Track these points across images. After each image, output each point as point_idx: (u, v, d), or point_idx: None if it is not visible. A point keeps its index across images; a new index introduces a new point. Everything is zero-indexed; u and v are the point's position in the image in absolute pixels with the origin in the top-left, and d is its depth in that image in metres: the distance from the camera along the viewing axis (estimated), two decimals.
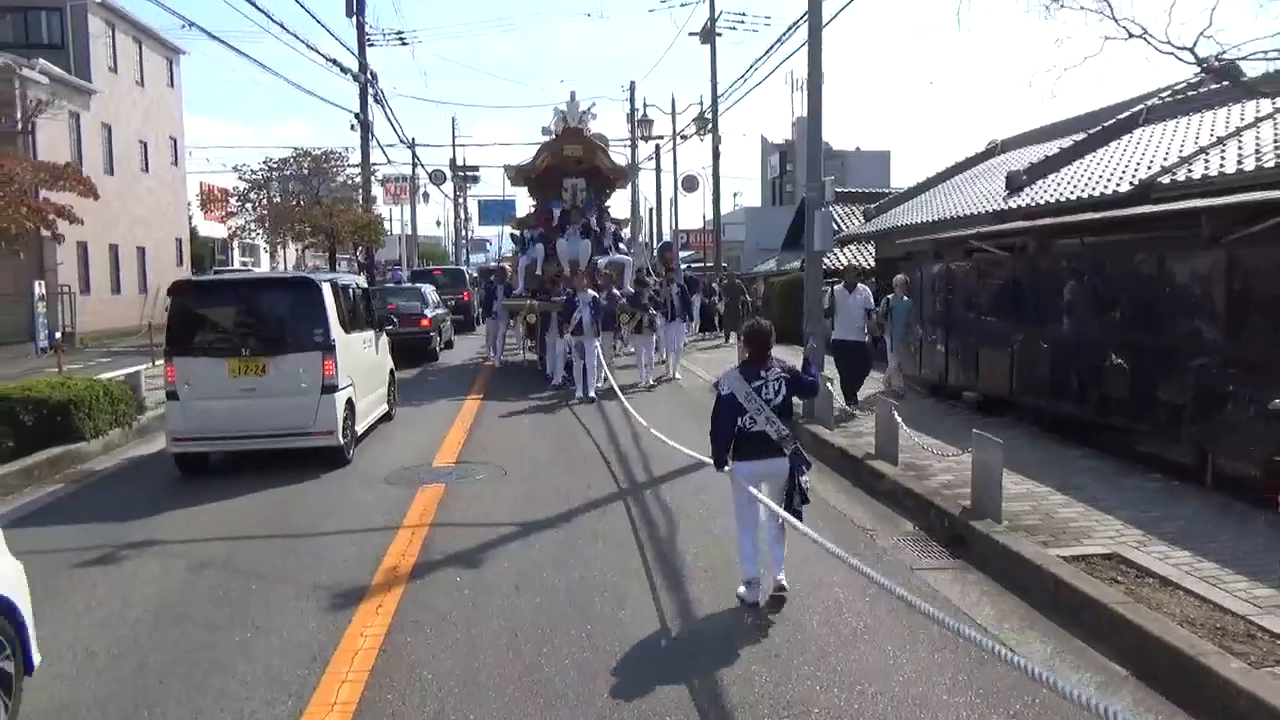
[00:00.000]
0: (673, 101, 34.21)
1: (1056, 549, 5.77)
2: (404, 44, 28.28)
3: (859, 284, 11.77)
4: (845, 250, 24.48)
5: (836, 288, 11.93)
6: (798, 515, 5.11)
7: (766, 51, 18.56)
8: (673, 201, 36.32)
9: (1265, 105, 11.15)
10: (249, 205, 26.63)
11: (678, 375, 15.88)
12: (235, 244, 36.80)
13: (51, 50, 24.64)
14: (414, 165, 41.12)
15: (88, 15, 25.87)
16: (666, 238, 33.88)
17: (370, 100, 25.27)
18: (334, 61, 22.39)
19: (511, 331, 18.54)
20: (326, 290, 9.21)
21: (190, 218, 35.47)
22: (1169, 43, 4.17)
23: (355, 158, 27.32)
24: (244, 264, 43.46)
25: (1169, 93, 14.87)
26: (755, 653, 4.57)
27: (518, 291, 17.19)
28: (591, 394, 13.25)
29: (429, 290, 21.52)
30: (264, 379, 8.76)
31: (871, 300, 11.78)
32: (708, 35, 27.95)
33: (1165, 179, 10.53)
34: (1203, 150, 10.91)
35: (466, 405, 12.95)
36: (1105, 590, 4.97)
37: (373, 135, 25.96)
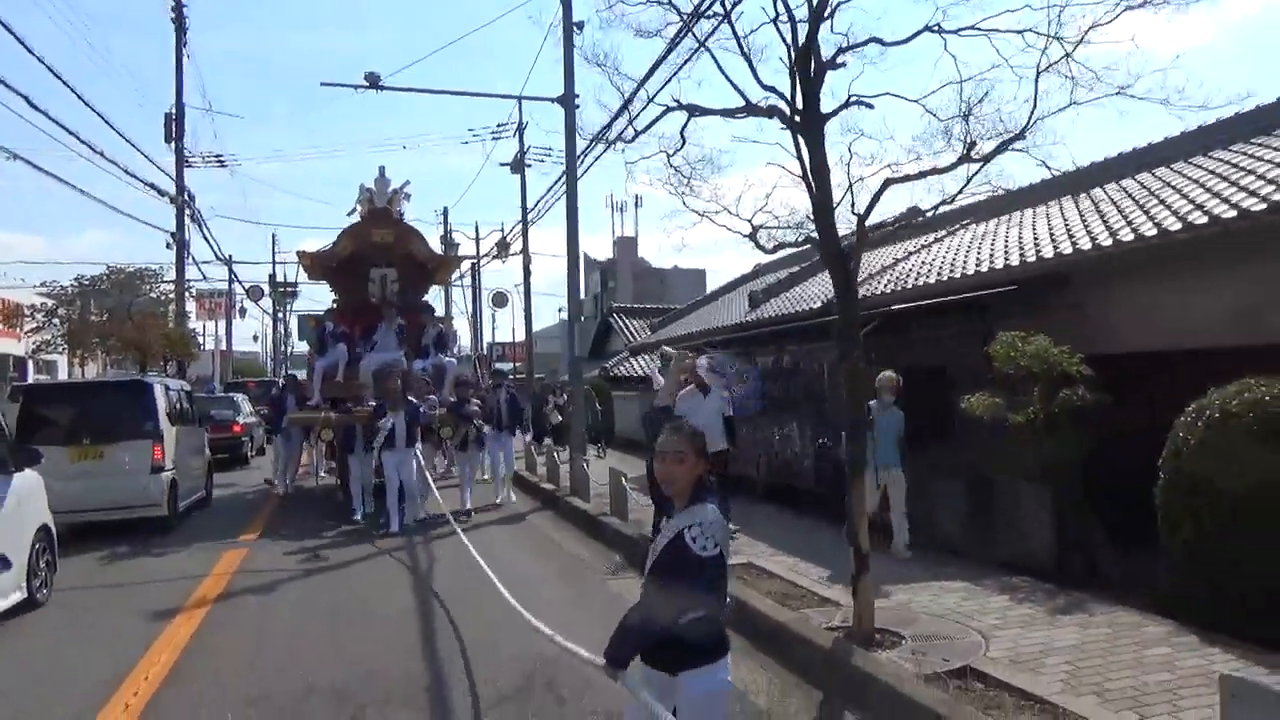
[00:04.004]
0: (476, 228, 38.58)
1: None
2: (223, 166, 29.43)
3: (712, 387, 9.64)
4: (639, 359, 27.32)
5: (682, 393, 9.40)
6: None
7: (548, 190, 21.68)
8: (479, 316, 39.53)
9: (913, 243, 14.70)
10: (56, 320, 26.61)
11: (512, 497, 13.51)
12: (31, 362, 35.78)
13: None
14: (230, 282, 41.64)
15: None
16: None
17: (187, 219, 26.16)
18: (152, 186, 23.32)
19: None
20: (158, 389, 11.32)
21: None
22: (739, 216, 6.51)
23: (170, 274, 27.79)
24: (38, 380, 41.84)
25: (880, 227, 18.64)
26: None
27: (312, 402, 13.86)
28: (406, 523, 11.13)
29: (242, 399, 22.57)
30: (101, 463, 10.44)
31: (731, 407, 9.96)
32: (517, 166, 30.95)
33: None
34: (871, 276, 14.20)
35: (226, 559, 9.31)
36: None
37: (189, 252, 26.75)
